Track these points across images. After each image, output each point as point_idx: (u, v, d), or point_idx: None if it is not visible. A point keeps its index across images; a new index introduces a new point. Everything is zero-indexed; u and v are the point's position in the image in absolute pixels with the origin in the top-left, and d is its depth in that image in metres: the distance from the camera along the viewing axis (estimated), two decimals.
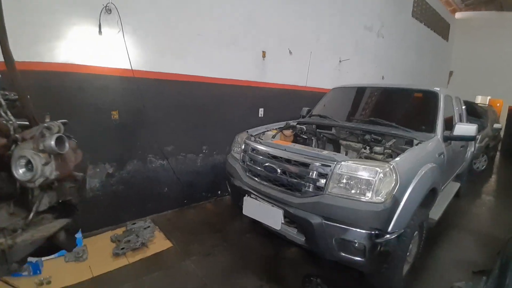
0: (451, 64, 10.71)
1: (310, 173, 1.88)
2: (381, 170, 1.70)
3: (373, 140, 2.54)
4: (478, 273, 2.22)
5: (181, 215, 3.36)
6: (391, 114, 2.88)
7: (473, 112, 5.69)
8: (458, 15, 10.46)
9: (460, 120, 3.42)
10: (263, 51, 3.97)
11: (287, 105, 4.51)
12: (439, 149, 2.40)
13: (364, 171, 1.73)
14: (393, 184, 1.70)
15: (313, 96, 4.50)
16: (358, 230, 1.69)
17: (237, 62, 3.72)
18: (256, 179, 2.24)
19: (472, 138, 2.53)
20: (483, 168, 5.80)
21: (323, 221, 1.76)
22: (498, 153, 8.01)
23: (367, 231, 1.67)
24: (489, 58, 9.54)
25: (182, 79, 3.22)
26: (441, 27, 9.48)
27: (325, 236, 1.79)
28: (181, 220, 3.25)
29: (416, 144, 2.24)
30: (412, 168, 1.92)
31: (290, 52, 4.38)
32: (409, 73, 8.19)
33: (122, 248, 2.51)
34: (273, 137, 2.81)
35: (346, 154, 3.00)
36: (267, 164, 2.12)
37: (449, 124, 2.77)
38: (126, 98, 2.84)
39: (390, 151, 2.27)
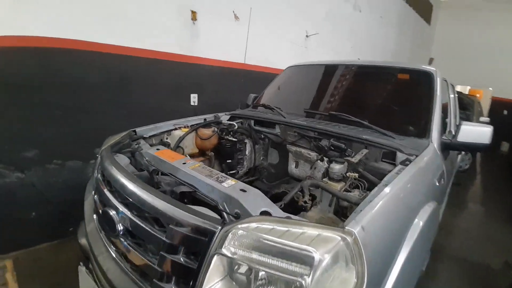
0: (432, 50, 9.97)
1: (165, 247, 0.82)
2: (325, 254, 0.66)
3: (332, 148, 1.54)
4: None
5: (58, 251, 2.22)
6: (362, 106, 1.87)
7: (459, 104, 4.93)
8: None
9: (455, 117, 2.50)
10: (192, 11, 2.77)
11: (234, 90, 3.39)
12: (438, 168, 1.41)
13: (281, 259, 0.69)
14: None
15: (271, 80, 3.41)
16: None
17: (147, 22, 2.50)
18: (102, 233, 1.14)
19: (484, 147, 1.57)
20: (466, 167, 5.09)
21: None
22: None
23: None
24: (472, 45, 8.83)
25: (39, 45, 1.99)
26: (423, 8, 8.60)
27: None
28: (57, 258, 2.13)
29: (404, 163, 1.23)
30: (397, 227, 0.91)
31: (236, 17, 3.21)
32: (388, 58, 7.28)
33: None
34: (179, 140, 1.71)
35: (296, 167, 1.98)
36: (103, 209, 1.02)
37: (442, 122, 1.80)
38: None
39: (356, 175, 1.26)
